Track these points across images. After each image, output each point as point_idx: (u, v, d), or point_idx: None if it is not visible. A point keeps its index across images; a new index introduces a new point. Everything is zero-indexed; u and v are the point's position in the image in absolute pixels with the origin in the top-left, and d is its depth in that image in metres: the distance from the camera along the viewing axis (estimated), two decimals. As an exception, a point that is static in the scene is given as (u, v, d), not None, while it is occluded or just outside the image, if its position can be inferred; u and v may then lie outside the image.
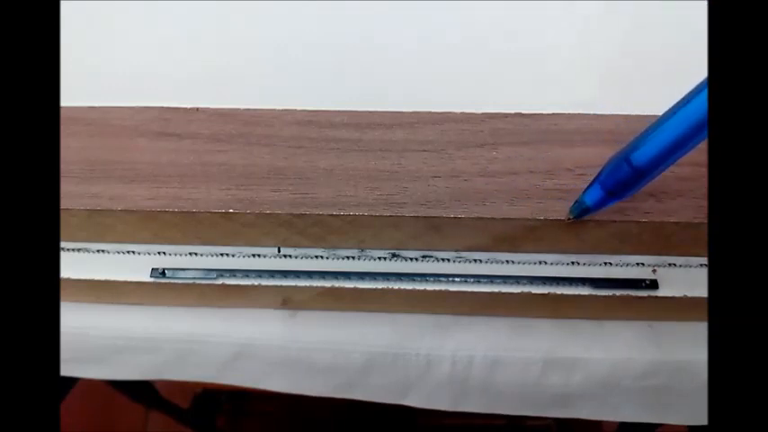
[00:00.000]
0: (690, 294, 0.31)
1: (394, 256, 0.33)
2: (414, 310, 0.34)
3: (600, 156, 0.30)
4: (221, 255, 0.33)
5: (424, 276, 0.32)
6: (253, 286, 0.33)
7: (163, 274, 0.33)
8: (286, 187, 0.31)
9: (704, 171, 0.31)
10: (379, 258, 0.33)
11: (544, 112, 0.34)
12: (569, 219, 0.29)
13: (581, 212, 0.29)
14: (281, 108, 0.35)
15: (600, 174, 0.28)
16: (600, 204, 0.28)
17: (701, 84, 0.24)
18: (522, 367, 0.34)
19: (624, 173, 0.26)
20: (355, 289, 0.32)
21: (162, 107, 0.35)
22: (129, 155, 0.33)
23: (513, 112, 0.34)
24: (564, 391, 0.35)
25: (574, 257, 0.32)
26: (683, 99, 0.25)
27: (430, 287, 0.32)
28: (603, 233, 0.31)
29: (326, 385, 0.36)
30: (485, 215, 0.30)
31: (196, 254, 0.33)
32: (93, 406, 0.81)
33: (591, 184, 0.28)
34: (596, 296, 0.32)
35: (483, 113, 0.34)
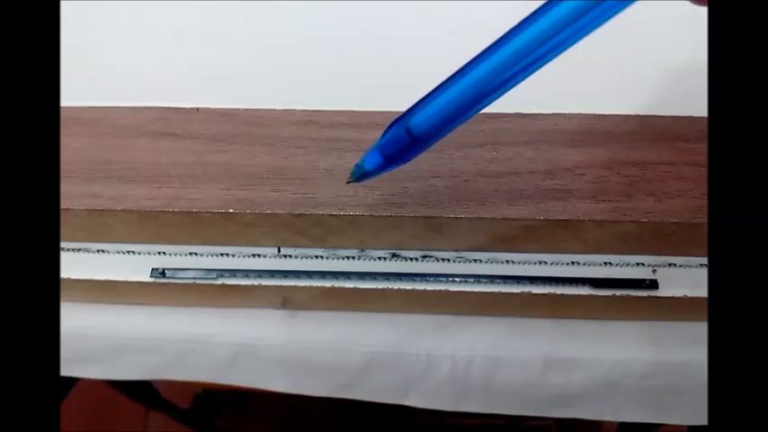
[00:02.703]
0: (690, 294, 0.31)
1: (394, 256, 0.33)
2: (414, 310, 0.34)
3: (600, 156, 0.30)
4: (221, 255, 0.33)
5: (424, 276, 0.32)
6: (253, 286, 0.33)
7: (163, 274, 0.33)
8: (286, 187, 0.31)
9: (704, 171, 0.31)
10: (379, 258, 0.33)
11: (544, 112, 0.34)
12: (349, 181, 0.28)
13: (360, 176, 0.28)
14: (281, 108, 0.35)
15: (380, 140, 0.27)
16: (379, 169, 0.27)
17: (484, 51, 0.24)
18: (522, 367, 0.34)
19: (402, 140, 0.26)
20: (355, 289, 0.32)
21: (162, 107, 0.35)
22: (129, 155, 0.33)
23: (513, 112, 0.34)
24: (564, 392, 0.35)
25: (574, 257, 0.32)
26: (464, 66, 0.24)
27: (430, 287, 0.32)
28: (603, 233, 0.31)
29: (326, 385, 0.36)
30: (485, 215, 0.30)
31: (196, 254, 0.33)
32: (93, 406, 0.81)
33: (370, 150, 0.27)
34: (596, 296, 0.32)
35: (483, 113, 0.34)
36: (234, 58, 0.41)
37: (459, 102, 0.24)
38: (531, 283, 0.32)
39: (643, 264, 0.32)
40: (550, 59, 0.23)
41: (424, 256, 0.33)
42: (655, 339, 0.33)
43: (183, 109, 0.35)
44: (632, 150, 0.31)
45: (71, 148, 0.33)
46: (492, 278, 0.32)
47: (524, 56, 0.23)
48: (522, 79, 0.24)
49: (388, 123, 0.34)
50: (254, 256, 0.33)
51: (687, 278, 0.32)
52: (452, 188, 0.31)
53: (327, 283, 0.32)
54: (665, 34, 0.40)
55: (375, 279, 0.32)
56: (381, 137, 0.27)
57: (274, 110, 0.35)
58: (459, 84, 0.24)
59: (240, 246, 0.33)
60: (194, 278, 0.33)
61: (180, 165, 0.32)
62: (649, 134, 0.32)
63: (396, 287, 0.32)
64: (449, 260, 0.33)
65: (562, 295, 0.32)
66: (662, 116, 0.33)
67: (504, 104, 0.34)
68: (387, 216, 0.30)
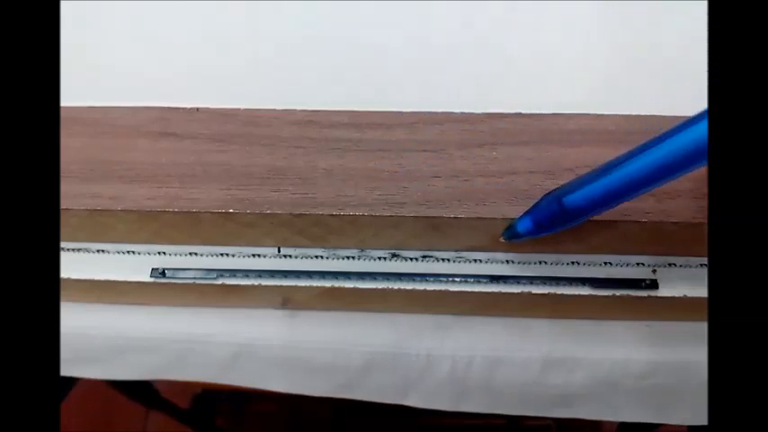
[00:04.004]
0: (690, 294, 0.31)
1: (394, 256, 0.33)
2: (414, 310, 0.34)
3: (600, 156, 0.30)
4: (221, 255, 0.33)
5: (424, 276, 0.32)
6: (253, 286, 0.33)
7: (163, 274, 0.33)
8: (286, 187, 0.31)
9: (704, 171, 0.31)
10: (379, 258, 0.33)
11: (544, 112, 0.34)
12: (502, 240, 0.30)
13: (512, 236, 0.30)
14: (281, 108, 0.35)
15: (534, 207, 0.28)
16: (530, 234, 0.29)
17: (645, 144, 0.25)
18: (522, 367, 0.34)
19: (554, 212, 0.27)
20: (355, 289, 0.32)
21: (162, 107, 0.35)
22: (129, 155, 0.33)
23: (513, 112, 0.34)
24: (564, 391, 0.35)
25: (574, 257, 0.32)
26: (626, 155, 0.25)
27: (430, 287, 0.32)
28: (603, 233, 0.31)
29: (326, 385, 0.36)
30: (485, 215, 0.30)
31: (196, 254, 0.33)
32: (93, 406, 0.81)
33: (524, 215, 0.29)
34: (596, 296, 0.32)
35: (483, 113, 0.34)
36: (234, 58, 0.41)
37: (614, 189, 0.25)
38: (531, 283, 0.32)
39: (643, 264, 0.32)
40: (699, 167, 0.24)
41: (424, 256, 0.33)
42: (654, 339, 0.33)
43: (183, 109, 0.35)
44: (632, 150, 0.31)
45: (71, 148, 0.33)
46: (492, 278, 0.32)
47: (685, 158, 0.23)
48: (676, 177, 0.25)
49: (388, 123, 0.34)
50: (254, 256, 0.33)
51: (687, 278, 0.32)
52: (452, 188, 0.31)
53: (327, 283, 0.32)
54: (665, 34, 0.40)
55: (375, 279, 0.32)
56: (534, 205, 0.28)
57: (274, 110, 0.35)
58: (617, 173, 0.25)
59: (240, 246, 0.33)
60: (194, 278, 0.33)
61: (180, 165, 0.32)
62: (649, 134, 0.32)
63: (396, 287, 0.32)
64: (449, 260, 0.33)
65: (562, 295, 0.32)
66: (662, 116, 0.33)
67: (504, 104, 0.34)
68: (387, 216, 0.30)
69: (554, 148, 0.32)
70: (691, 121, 0.23)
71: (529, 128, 0.33)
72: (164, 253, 0.34)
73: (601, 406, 0.35)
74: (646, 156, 0.24)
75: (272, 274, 0.33)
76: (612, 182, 0.25)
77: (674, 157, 0.24)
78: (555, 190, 0.28)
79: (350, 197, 0.31)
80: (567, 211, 0.27)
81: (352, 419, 0.80)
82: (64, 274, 0.33)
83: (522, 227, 0.29)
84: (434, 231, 0.31)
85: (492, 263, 0.32)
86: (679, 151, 0.23)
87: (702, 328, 0.32)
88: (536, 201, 0.28)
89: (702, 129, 0.22)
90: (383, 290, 0.32)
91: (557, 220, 0.27)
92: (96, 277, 0.33)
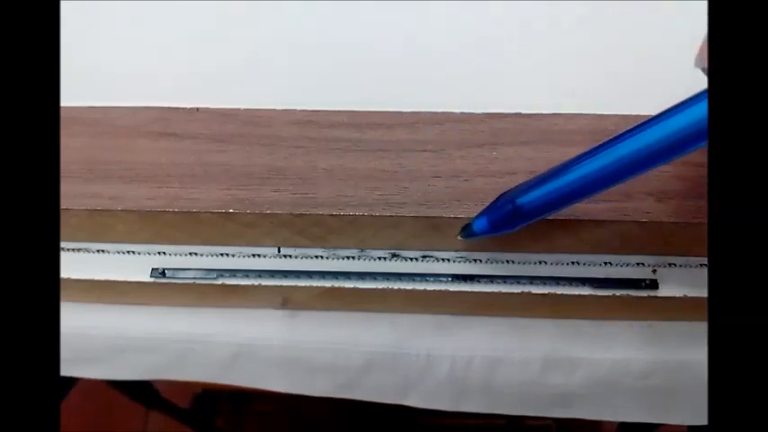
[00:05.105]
0: (690, 294, 0.31)
1: (394, 256, 0.33)
2: (414, 310, 0.34)
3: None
4: (221, 255, 0.33)
5: (424, 276, 0.32)
6: (253, 286, 0.33)
7: (163, 274, 0.33)
8: (286, 187, 0.31)
9: (704, 171, 0.31)
10: (379, 258, 0.33)
11: (544, 112, 0.34)
12: (459, 238, 0.31)
13: (469, 235, 0.30)
14: (281, 108, 0.35)
15: (489, 207, 0.29)
16: (485, 232, 0.29)
17: (597, 147, 0.25)
18: (522, 367, 0.34)
19: (509, 213, 0.28)
20: (355, 289, 0.32)
21: (162, 107, 0.35)
22: (129, 155, 0.33)
23: (513, 112, 0.34)
24: (564, 391, 0.35)
25: (574, 257, 0.32)
26: (575, 159, 0.26)
27: (430, 287, 0.32)
28: (603, 233, 0.31)
29: (326, 385, 0.36)
30: (485, 215, 0.30)
31: (196, 254, 0.33)
32: (93, 406, 0.81)
33: (480, 214, 0.29)
34: (596, 296, 0.32)
35: (483, 113, 0.34)
36: (234, 58, 0.41)
37: (565, 191, 0.26)
38: (531, 283, 0.32)
39: (643, 264, 0.32)
40: (659, 165, 0.25)
41: (424, 256, 0.33)
42: (654, 339, 0.33)
43: (183, 109, 0.35)
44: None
45: (71, 148, 0.33)
46: (492, 278, 0.32)
47: (634, 164, 0.24)
48: (626, 181, 0.25)
49: (388, 123, 0.34)
50: (254, 256, 0.33)
51: (687, 278, 0.32)
52: (452, 188, 0.31)
53: (327, 283, 0.32)
54: (665, 34, 0.40)
55: (375, 279, 0.32)
56: (491, 204, 0.29)
57: (274, 110, 0.35)
58: (570, 175, 0.26)
59: (240, 246, 0.33)
60: (194, 278, 0.33)
61: (180, 165, 0.32)
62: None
63: (396, 287, 0.32)
64: (449, 260, 0.33)
65: (562, 295, 0.32)
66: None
67: (504, 104, 0.34)
68: (387, 216, 0.30)
69: (554, 148, 0.32)
70: (639, 128, 0.24)
71: (529, 128, 0.33)
72: (164, 253, 0.34)
73: (601, 406, 0.35)
74: (596, 159, 0.25)
75: (272, 274, 0.33)
76: (564, 184, 0.26)
77: (619, 162, 0.25)
78: (510, 190, 0.29)
79: (350, 197, 0.31)
80: (520, 212, 0.27)
81: (352, 419, 0.80)
82: (64, 274, 0.33)
83: (478, 226, 0.29)
84: (434, 231, 0.31)
85: (492, 263, 0.32)
86: (623, 158, 0.24)
87: (702, 328, 0.32)
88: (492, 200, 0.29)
89: (654, 135, 0.23)
90: (383, 290, 0.32)
91: (511, 221, 0.28)
92: (96, 277, 0.33)
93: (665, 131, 0.24)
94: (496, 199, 0.29)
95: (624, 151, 0.24)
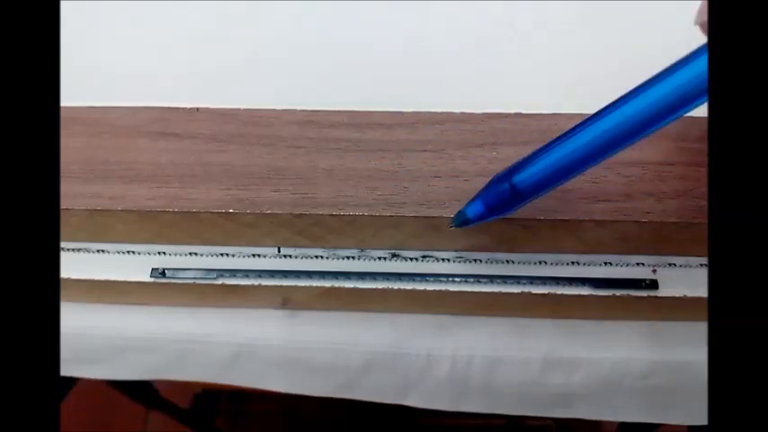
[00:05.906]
0: (690, 294, 0.31)
1: (394, 256, 0.33)
2: (414, 310, 0.34)
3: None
4: (221, 255, 0.33)
5: (424, 276, 0.32)
6: (253, 286, 0.33)
7: (163, 274, 0.33)
8: (286, 187, 0.31)
9: (704, 171, 0.31)
10: (379, 258, 0.33)
11: (544, 112, 0.34)
12: (450, 227, 0.30)
13: (462, 223, 0.29)
14: (281, 108, 0.35)
15: (483, 190, 0.28)
16: (480, 218, 0.28)
17: (590, 117, 0.25)
18: (522, 367, 0.34)
19: (505, 193, 0.27)
20: (355, 289, 0.32)
21: (162, 107, 0.35)
22: (129, 155, 0.33)
23: (513, 112, 0.34)
24: (564, 391, 0.35)
25: (574, 257, 0.32)
26: (570, 131, 0.25)
27: (430, 287, 0.32)
28: (603, 233, 0.31)
29: (326, 385, 0.36)
30: (485, 215, 0.30)
31: (196, 254, 0.33)
32: (93, 406, 0.81)
33: (473, 199, 0.28)
34: (596, 296, 0.32)
35: (483, 113, 0.34)
36: (234, 58, 0.41)
37: (561, 164, 0.25)
38: (531, 283, 0.32)
39: (643, 264, 0.32)
40: (654, 131, 0.24)
41: (424, 256, 0.33)
42: (654, 339, 0.33)
43: (183, 109, 0.35)
44: (632, 150, 0.31)
45: (71, 148, 0.33)
46: (492, 278, 0.32)
47: (636, 126, 0.24)
48: (625, 148, 0.25)
49: (388, 123, 0.34)
50: (254, 256, 0.33)
51: (687, 278, 0.32)
52: (452, 188, 0.31)
53: (327, 283, 0.32)
54: (665, 34, 0.40)
55: (375, 279, 0.32)
56: (484, 188, 0.28)
57: (274, 110, 0.35)
58: (564, 147, 0.25)
59: (240, 246, 0.33)
60: (194, 278, 0.33)
61: (180, 165, 0.32)
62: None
63: (396, 287, 0.32)
64: (449, 260, 0.33)
65: (562, 295, 0.32)
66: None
67: (504, 104, 0.34)
68: (387, 216, 0.30)
69: (554, 148, 0.32)
70: (640, 88, 0.24)
71: (529, 128, 0.33)
72: (164, 253, 0.34)
73: (601, 406, 0.35)
74: (597, 125, 0.24)
75: (272, 274, 0.33)
76: (563, 155, 0.25)
77: (621, 126, 0.24)
78: (503, 171, 0.27)
79: (350, 197, 0.31)
80: (517, 191, 0.26)
81: (352, 419, 0.80)
82: (64, 274, 0.33)
83: (473, 211, 0.28)
84: (434, 231, 0.31)
85: (492, 263, 0.32)
86: (621, 124, 0.24)
87: (702, 328, 0.32)
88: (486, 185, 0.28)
89: (655, 93, 0.23)
90: (383, 290, 0.32)
91: (508, 201, 0.27)
92: (96, 277, 0.33)
93: (666, 89, 0.23)
94: (490, 181, 0.28)
95: (626, 113, 0.24)
